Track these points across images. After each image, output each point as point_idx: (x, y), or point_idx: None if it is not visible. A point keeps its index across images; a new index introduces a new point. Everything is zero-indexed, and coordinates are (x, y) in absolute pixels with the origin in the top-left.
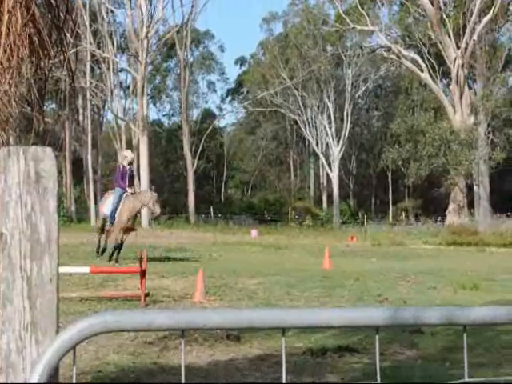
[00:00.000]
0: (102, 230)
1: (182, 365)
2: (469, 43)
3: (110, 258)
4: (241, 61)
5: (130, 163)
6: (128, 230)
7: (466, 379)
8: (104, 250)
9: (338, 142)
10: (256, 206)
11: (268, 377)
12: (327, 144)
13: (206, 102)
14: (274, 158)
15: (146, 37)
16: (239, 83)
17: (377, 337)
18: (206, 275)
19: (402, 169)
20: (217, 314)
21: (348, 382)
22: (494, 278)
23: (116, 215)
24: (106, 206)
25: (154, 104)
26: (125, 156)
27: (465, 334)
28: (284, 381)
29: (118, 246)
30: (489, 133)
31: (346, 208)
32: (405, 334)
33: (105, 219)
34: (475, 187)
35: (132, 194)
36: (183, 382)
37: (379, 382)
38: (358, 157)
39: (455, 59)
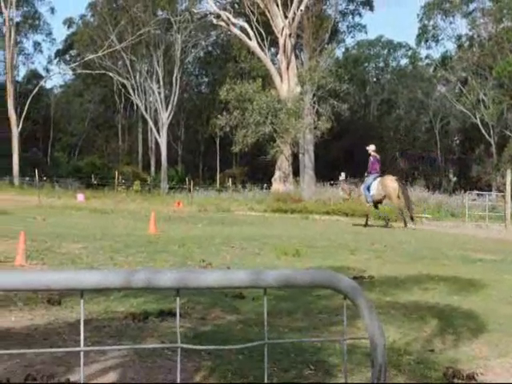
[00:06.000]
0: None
1: None
2: (296, 13)
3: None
4: (69, 22)
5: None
6: None
7: (266, 340)
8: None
9: (167, 108)
10: (83, 169)
11: (89, 341)
12: (156, 109)
13: (33, 63)
14: (102, 121)
15: None
16: (69, 45)
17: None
18: (29, 239)
19: (230, 136)
20: (14, 275)
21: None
22: (316, 245)
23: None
24: None
25: None
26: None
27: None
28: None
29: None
30: (314, 103)
31: (174, 174)
32: (227, 299)
33: None
34: (300, 156)
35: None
36: None
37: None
38: (187, 122)
39: (283, 29)
